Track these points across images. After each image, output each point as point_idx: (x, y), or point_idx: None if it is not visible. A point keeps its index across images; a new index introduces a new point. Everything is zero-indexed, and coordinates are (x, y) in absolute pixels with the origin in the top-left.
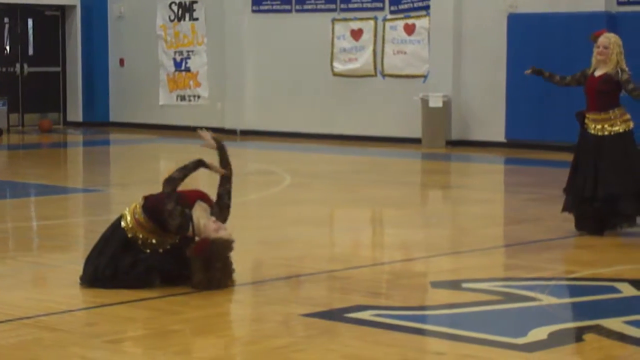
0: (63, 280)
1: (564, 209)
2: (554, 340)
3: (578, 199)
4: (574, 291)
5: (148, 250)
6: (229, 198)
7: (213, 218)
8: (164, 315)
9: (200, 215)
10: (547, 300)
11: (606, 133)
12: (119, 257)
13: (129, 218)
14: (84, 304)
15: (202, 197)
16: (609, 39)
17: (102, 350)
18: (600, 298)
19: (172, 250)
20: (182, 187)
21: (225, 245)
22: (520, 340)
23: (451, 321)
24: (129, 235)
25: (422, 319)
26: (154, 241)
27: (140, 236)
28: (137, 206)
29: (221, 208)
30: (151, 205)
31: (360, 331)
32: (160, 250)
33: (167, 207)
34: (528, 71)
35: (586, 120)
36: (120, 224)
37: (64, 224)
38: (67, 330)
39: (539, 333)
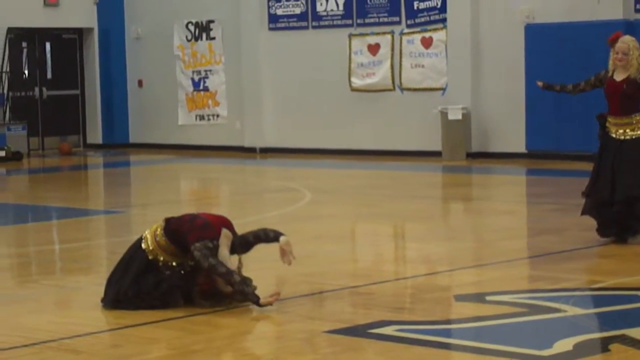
0: (86, 302)
1: (583, 212)
2: (579, 351)
3: (598, 203)
4: (598, 301)
5: (169, 272)
6: (251, 242)
7: (230, 266)
8: (188, 335)
9: (224, 250)
10: (572, 311)
11: (627, 137)
12: (141, 279)
13: (149, 240)
14: (108, 326)
15: (227, 225)
16: (627, 44)
17: None
18: (625, 308)
19: (194, 271)
20: (206, 210)
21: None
22: (545, 352)
23: (476, 334)
24: (150, 258)
25: (446, 333)
26: (174, 264)
27: (161, 258)
28: (159, 228)
29: (243, 243)
30: (173, 228)
31: (384, 347)
32: (182, 272)
33: (195, 249)
34: (540, 83)
35: (607, 124)
36: (141, 245)
37: (86, 246)
38: (92, 352)
39: (565, 344)
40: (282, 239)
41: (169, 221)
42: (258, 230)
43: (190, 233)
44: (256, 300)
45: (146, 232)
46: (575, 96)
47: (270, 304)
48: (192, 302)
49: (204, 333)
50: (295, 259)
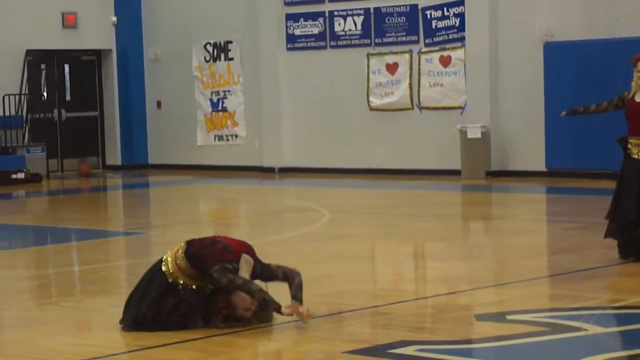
0: (105, 324)
1: (607, 235)
2: None
3: (622, 225)
4: (619, 320)
5: (188, 294)
6: (276, 276)
7: (250, 296)
8: (208, 357)
9: (245, 273)
10: (593, 330)
11: None
12: (160, 301)
13: (170, 263)
14: (127, 348)
15: (248, 250)
16: None
17: None
18: None
19: (213, 294)
20: (225, 231)
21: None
22: None
23: (497, 354)
24: (170, 280)
25: (468, 353)
26: (194, 287)
27: (181, 282)
28: (180, 250)
29: (267, 272)
30: (193, 252)
31: None
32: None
33: (215, 273)
34: (564, 113)
35: (629, 145)
36: (161, 267)
37: (105, 267)
38: None
39: None
40: (284, 310)
41: (190, 243)
42: (285, 270)
43: (209, 257)
44: (278, 308)
45: (167, 254)
46: (597, 115)
47: (291, 314)
48: (210, 323)
49: (223, 354)
50: (310, 314)
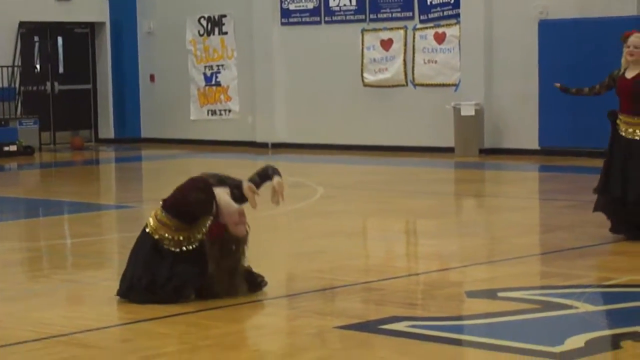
0: (97, 297)
1: (595, 209)
2: (591, 348)
3: (610, 200)
4: (610, 298)
5: (178, 249)
6: (260, 180)
7: (236, 207)
8: (199, 330)
9: (222, 193)
10: (584, 307)
11: (637, 138)
12: (153, 265)
13: (152, 222)
14: (119, 321)
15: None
16: None
17: None
18: (637, 305)
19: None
20: None
21: (240, 240)
22: (557, 349)
23: (487, 331)
24: (156, 237)
25: (458, 329)
26: (181, 238)
27: (167, 235)
28: (158, 210)
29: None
30: (169, 202)
31: (396, 343)
32: (191, 247)
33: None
34: (557, 85)
35: (618, 121)
36: (145, 230)
37: (98, 241)
38: (102, 347)
39: (576, 341)
40: (275, 178)
41: (165, 200)
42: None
43: (179, 192)
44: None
45: (149, 218)
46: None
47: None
48: (205, 297)
49: (215, 328)
50: (284, 201)
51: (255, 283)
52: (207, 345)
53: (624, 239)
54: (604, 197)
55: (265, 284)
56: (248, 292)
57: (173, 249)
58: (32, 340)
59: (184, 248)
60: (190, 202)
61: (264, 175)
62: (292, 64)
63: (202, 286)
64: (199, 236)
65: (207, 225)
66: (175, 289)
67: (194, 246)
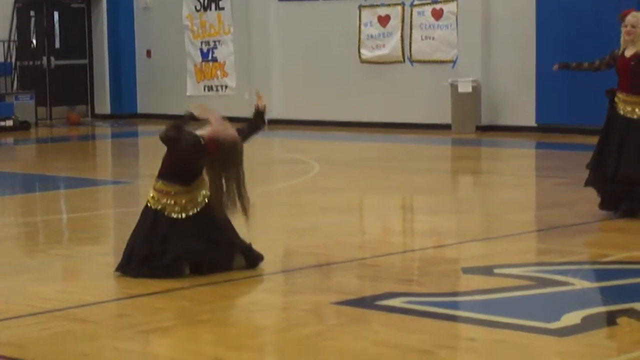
0: (93, 272)
1: (587, 184)
2: (587, 324)
3: (601, 177)
4: (606, 275)
5: (184, 215)
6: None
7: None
8: (196, 306)
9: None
10: (580, 284)
11: (635, 117)
12: (151, 238)
13: (151, 194)
14: (115, 296)
15: None
16: (637, 17)
17: (134, 341)
18: (633, 281)
19: (203, 234)
20: None
21: (234, 143)
22: (553, 325)
23: (483, 307)
24: (159, 208)
25: (454, 305)
26: (184, 201)
27: (169, 202)
28: (155, 182)
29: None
30: (163, 167)
31: (392, 318)
32: (197, 210)
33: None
34: (555, 67)
35: (616, 99)
36: (146, 206)
37: (94, 216)
38: (98, 321)
39: (572, 317)
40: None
41: (159, 171)
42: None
43: (169, 155)
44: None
45: (148, 194)
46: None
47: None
48: (200, 272)
49: (211, 303)
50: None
51: (252, 258)
52: (204, 320)
53: (620, 216)
54: (595, 173)
55: (262, 259)
56: (246, 267)
57: (177, 215)
58: (28, 314)
59: (190, 212)
60: (180, 150)
61: (252, 125)
62: (289, 40)
63: (198, 262)
64: (204, 193)
65: (207, 182)
66: (169, 266)
67: (198, 209)
